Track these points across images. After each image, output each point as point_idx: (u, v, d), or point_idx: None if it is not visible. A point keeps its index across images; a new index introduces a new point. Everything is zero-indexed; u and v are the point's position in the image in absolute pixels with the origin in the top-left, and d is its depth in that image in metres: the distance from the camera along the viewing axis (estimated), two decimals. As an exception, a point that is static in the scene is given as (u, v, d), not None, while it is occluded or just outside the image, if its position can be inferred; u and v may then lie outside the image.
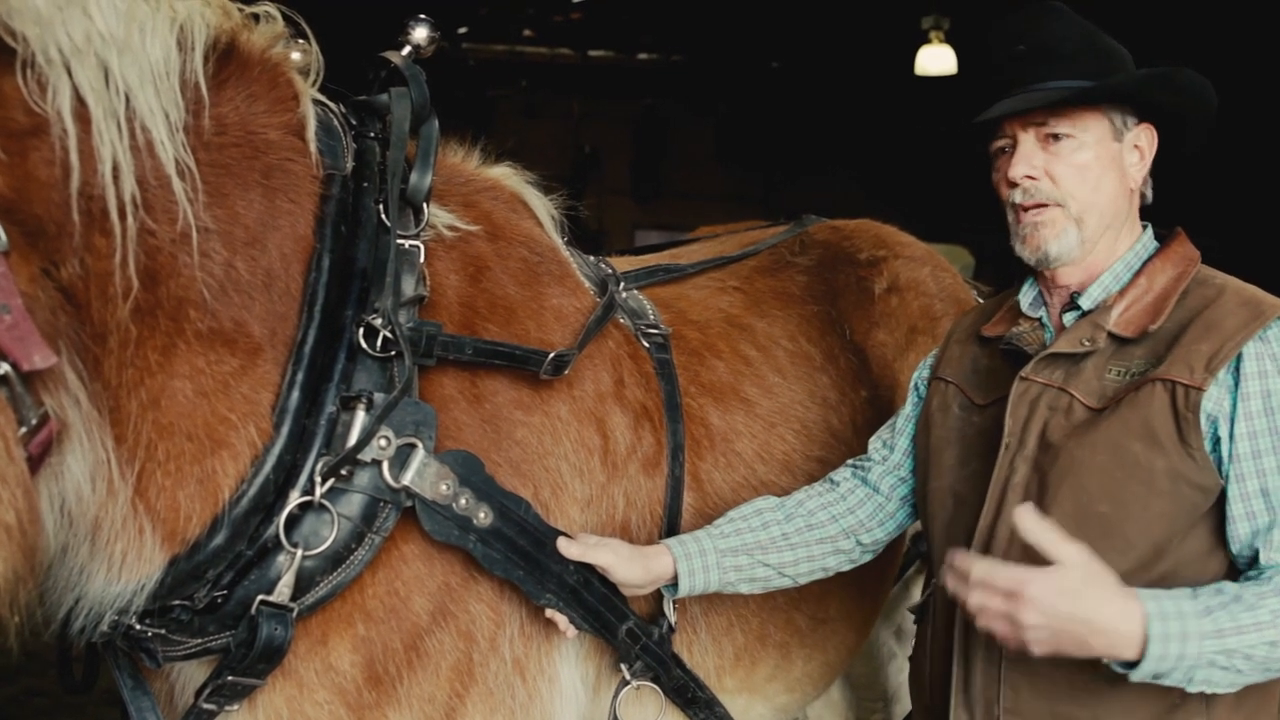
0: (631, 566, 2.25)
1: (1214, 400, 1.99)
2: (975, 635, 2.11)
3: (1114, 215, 2.18)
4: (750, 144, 14.97)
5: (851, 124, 13.62)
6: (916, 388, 2.53)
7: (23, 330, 1.70)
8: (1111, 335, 2.12)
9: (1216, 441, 2.01)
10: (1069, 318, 2.21)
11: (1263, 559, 1.96)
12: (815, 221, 3.32)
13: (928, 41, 11.71)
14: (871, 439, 2.55)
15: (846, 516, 2.45)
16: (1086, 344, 2.12)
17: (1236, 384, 2.00)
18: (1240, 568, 2.02)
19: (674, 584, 2.31)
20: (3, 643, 1.82)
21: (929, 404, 2.41)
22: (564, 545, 2.19)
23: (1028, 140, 2.15)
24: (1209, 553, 2.02)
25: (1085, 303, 2.19)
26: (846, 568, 2.48)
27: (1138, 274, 2.18)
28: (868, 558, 2.50)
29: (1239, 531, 1.99)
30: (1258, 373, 2.00)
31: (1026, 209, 2.16)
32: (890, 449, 2.50)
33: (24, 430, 1.74)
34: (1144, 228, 2.25)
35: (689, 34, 13.41)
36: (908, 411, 2.52)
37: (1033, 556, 1.99)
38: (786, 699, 2.84)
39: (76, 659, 2.22)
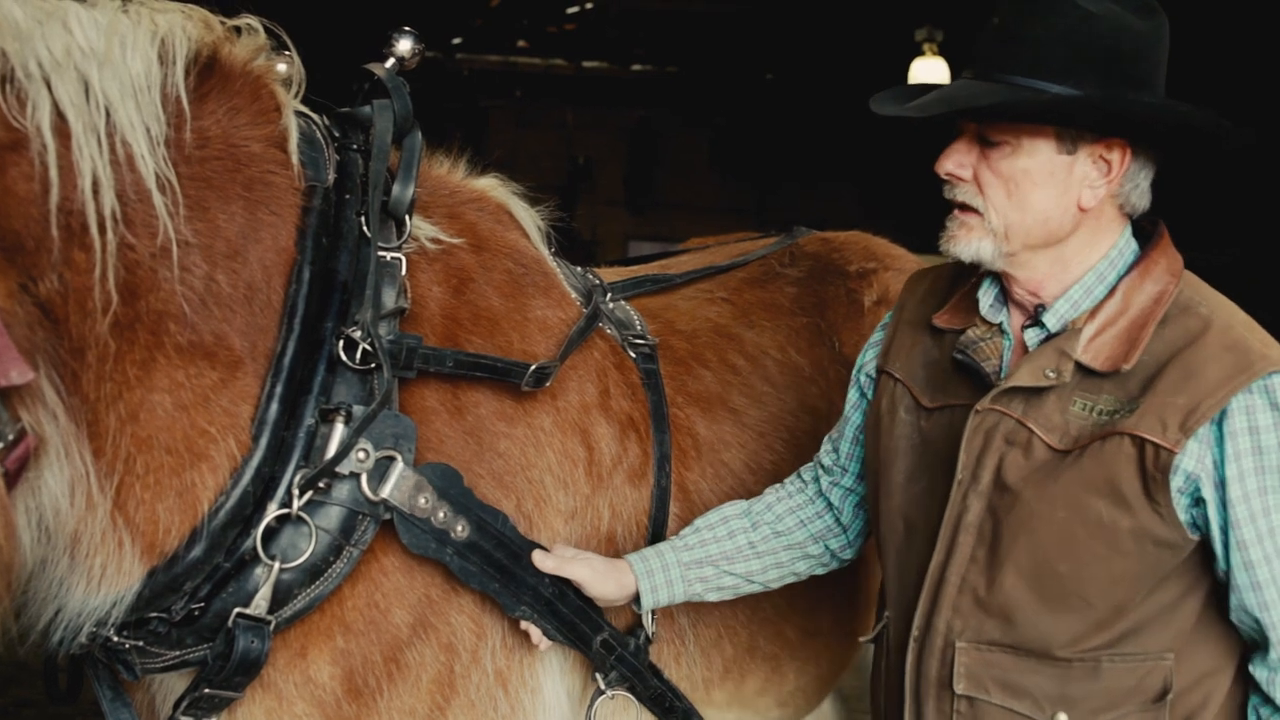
0: (606, 582, 2.23)
1: (1194, 458, 1.83)
2: (926, 674, 2.03)
3: (1048, 235, 1.95)
4: (744, 155, 14.97)
5: (846, 135, 13.64)
6: (858, 381, 2.36)
7: None
8: (1079, 365, 1.92)
9: (1197, 500, 1.86)
10: (1032, 336, 2.01)
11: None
12: (806, 233, 3.31)
13: (921, 54, 11.72)
14: (824, 440, 2.46)
15: (815, 521, 2.37)
16: (1050, 376, 1.92)
17: (1221, 440, 1.83)
18: (1242, 633, 1.92)
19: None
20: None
21: (877, 402, 2.22)
22: (539, 558, 2.17)
23: (965, 137, 1.97)
24: (1176, 603, 1.92)
25: (1051, 322, 1.98)
26: (820, 571, 2.43)
27: (1112, 289, 1.96)
28: (839, 564, 2.44)
29: (1246, 601, 1.86)
30: (1247, 429, 1.82)
31: (954, 205, 2.00)
32: (837, 453, 2.39)
33: (0, 445, 1.73)
34: (1125, 227, 2.01)
35: (683, 45, 13.44)
36: (845, 412, 2.39)
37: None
38: (779, 713, 2.82)
39: (62, 669, 2.21)
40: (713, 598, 2.35)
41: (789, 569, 2.37)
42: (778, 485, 2.44)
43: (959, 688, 1.98)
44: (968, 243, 1.98)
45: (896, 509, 2.13)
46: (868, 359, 2.34)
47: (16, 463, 1.76)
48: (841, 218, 3.59)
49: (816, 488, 2.40)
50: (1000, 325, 2.07)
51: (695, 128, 15.15)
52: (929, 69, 11.61)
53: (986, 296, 2.09)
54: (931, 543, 2.02)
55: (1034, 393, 1.94)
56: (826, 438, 2.45)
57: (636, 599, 2.29)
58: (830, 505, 2.38)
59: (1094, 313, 1.95)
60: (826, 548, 2.38)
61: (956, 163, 1.97)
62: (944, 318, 2.15)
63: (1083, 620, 1.90)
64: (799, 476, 2.44)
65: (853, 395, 2.39)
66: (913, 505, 2.10)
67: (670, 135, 15.20)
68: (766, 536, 2.34)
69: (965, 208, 1.98)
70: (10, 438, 1.75)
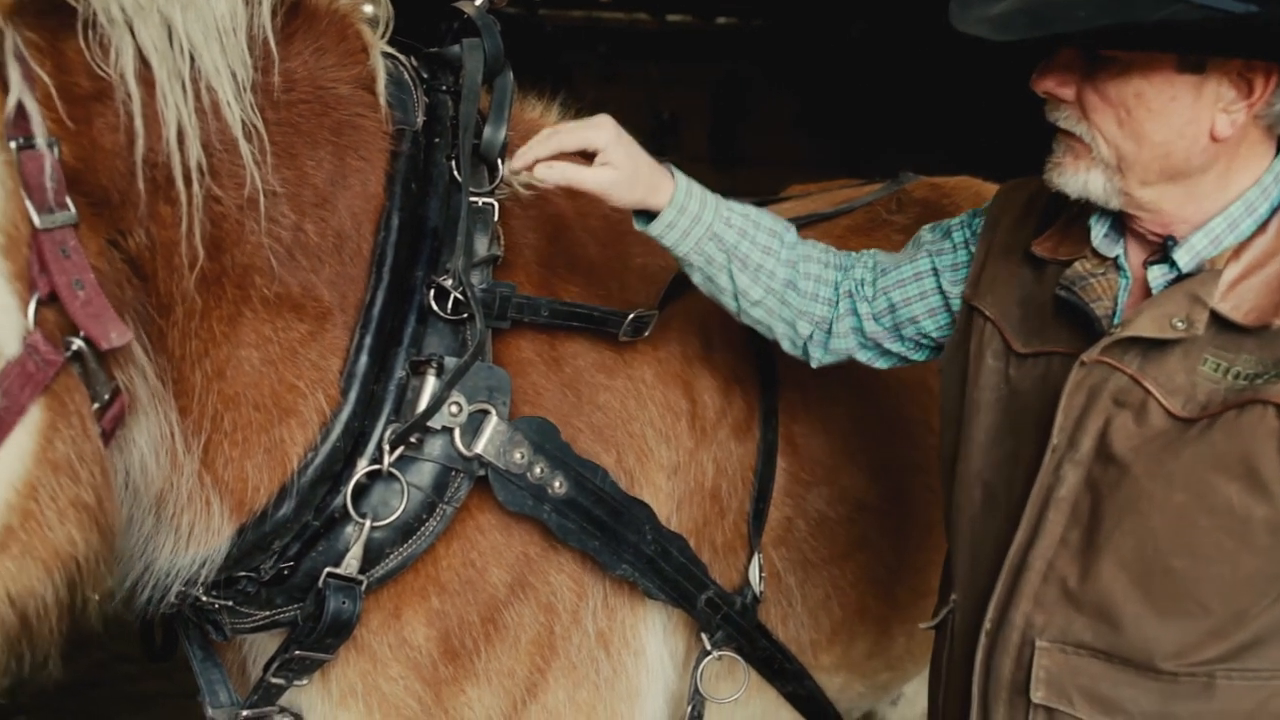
0: (634, 189, 1.94)
1: None
2: (997, 674, 1.76)
3: (1172, 170, 1.62)
4: (832, 111, 14.75)
5: (939, 90, 13.35)
6: (928, 253, 2.03)
7: (97, 306, 1.64)
8: (1215, 315, 1.59)
9: None
10: (1157, 275, 1.68)
11: None
12: (913, 179, 3.18)
13: (1018, -1, 11.39)
14: (867, 254, 2.14)
15: (819, 306, 2.07)
16: (1179, 327, 1.59)
17: None
18: None
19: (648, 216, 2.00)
20: (86, 621, 1.80)
21: (963, 343, 1.91)
22: (540, 168, 1.92)
23: (1069, 48, 1.64)
24: None
25: (1184, 260, 1.64)
26: (785, 346, 2.14)
27: (1264, 223, 1.63)
28: (799, 354, 2.15)
29: None
30: None
31: (1060, 130, 1.70)
32: (874, 276, 2.08)
33: (97, 406, 1.69)
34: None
35: (768, -2, 13.26)
36: (902, 265, 2.06)
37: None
38: (888, 676, 2.73)
39: (158, 626, 2.18)
40: (695, 278, 2.07)
41: (768, 323, 2.09)
42: (822, 249, 2.13)
43: (1036, 695, 1.71)
44: (1075, 174, 1.67)
45: (974, 473, 1.85)
46: (958, 248, 2.03)
47: (111, 422, 1.73)
48: (934, 173, 3.43)
49: (839, 278, 2.10)
50: (1116, 260, 1.74)
51: (781, 82, 14.95)
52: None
53: (1100, 224, 1.75)
54: (1013, 518, 1.75)
55: (1155, 345, 1.62)
56: (872, 254, 2.13)
57: (644, 216, 2.01)
58: (836, 302, 2.09)
59: (1239, 251, 1.62)
60: (812, 331, 2.09)
61: (1057, 80, 1.65)
62: (1046, 245, 1.83)
63: (1196, 628, 1.61)
64: (837, 260, 2.12)
65: (923, 264, 2.05)
66: (994, 471, 1.82)
67: (756, 90, 15.02)
68: (783, 282, 2.04)
69: (1068, 134, 1.68)
70: (106, 397, 1.70)
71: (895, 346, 2.12)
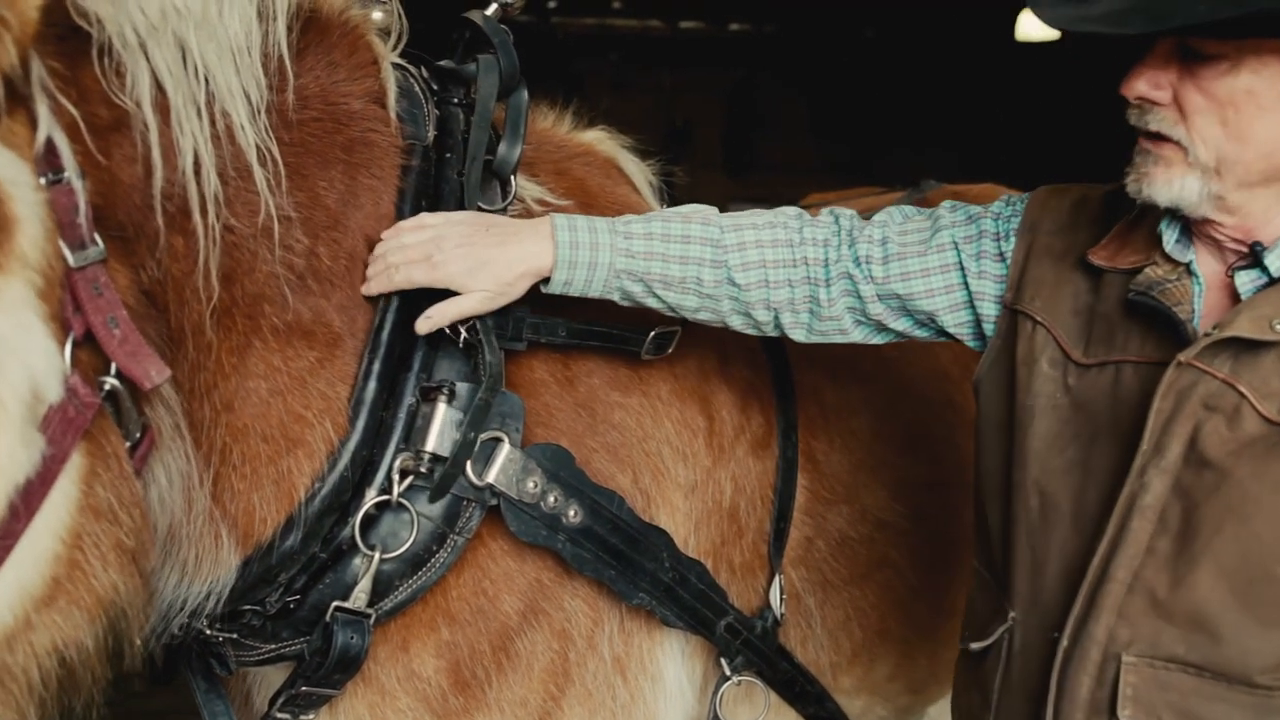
0: (507, 297, 1.92)
1: None
2: (1072, 693, 1.67)
3: (1273, 171, 1.60)
4: (845, 116, 14.69)
5: (949, 94, 13.30)
6: (960, 255, 1.92)
7: (134, 344, 1.60)
8: None
9: None
10: (1245, 279, 1.65)
11: None
12: (934, 187, 3.13)
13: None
14: (869, 223, 2.00)
15: (780, 289, 1.96)
16: (1279, 329, 1.56)
17: None
18: None
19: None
20: (132, 665, 1.81)
21: (1010, 347, 1.85)
22: (420, 322, 1.89)
23: (1162, 48, 1.59)
24: None
25: (1275, 265, 1.62)
26: (752, 333, 2.07)
27: None
28: (776, 334, 2.08)
29: None
30: None
31: (1144, 135, 1.65)
32: (885, 249, 1.94)
33: (129, 445, 1.64)
34: None
35: (781, 4, 13.20)
36: (931, 261, 1.93)
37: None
38: (910, 699, 2.67)
39: (160, 651, 2.13)
40: (615, 297, 2.00)
41: (720, 319, 2.02)
42: (770, 233, 2.00)
43: (1124, 714, 1.64)
44: (1167, 183, 1.62)
45: (1030, 481, 1.79)
46: (990, 242, 1.93)
47: (141, 460, 1.68)
48: (946, 180, 3.39)
49: (825, 255, 1.98)
50: (1189, 265, 1.70)
51: (794, 89, 14.91)
52: (1037, 21, 11.21)
53: (1171, 229, 1.71)
54: (1081, 528, 1.70)
55: (1247, 349, 1.58)
56: (880, 228, 1.99)
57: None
58: (825, 283, 1.98)
59: None
60: (776, 318, 2.00)
61: (1151, 82, 1.60)
62: (1103, 254, 1.78)
63: None
64: (801, 223, 1.99)
65: (949, 256, 1.94)
66: (1054, 479, 1.76)
67: (769, 96, 14.97)
68: (720, 281, 1.96)
69: (1159, 137, 1.62)
70: (137, 436, 1.66)
71: (899, 325, 2.03)
